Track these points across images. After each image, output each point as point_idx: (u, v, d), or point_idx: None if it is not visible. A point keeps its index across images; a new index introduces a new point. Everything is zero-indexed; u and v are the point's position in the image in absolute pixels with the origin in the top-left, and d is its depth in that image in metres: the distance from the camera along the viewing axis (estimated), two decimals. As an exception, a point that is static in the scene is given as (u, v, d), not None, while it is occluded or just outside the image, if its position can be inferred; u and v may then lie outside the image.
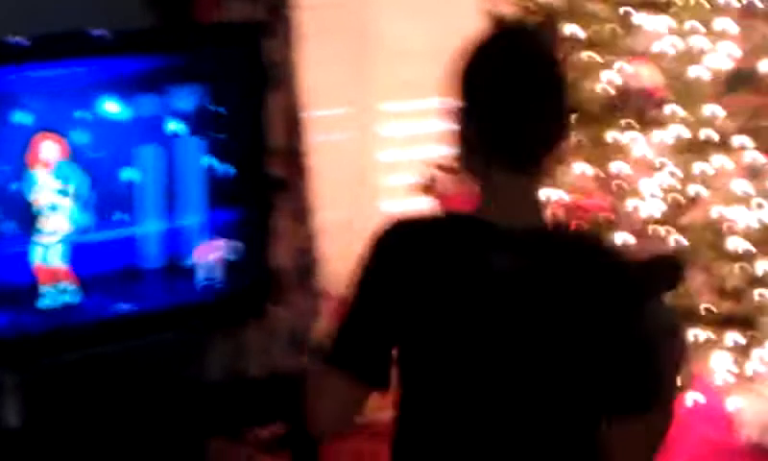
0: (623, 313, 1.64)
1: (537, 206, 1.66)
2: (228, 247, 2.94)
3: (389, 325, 1.67)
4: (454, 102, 1.65)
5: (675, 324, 1.87)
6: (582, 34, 3.22)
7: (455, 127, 1.66)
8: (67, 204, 2.81)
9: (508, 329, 1.62)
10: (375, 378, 1.67)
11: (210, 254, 2.90)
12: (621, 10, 3.20)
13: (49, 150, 2.74)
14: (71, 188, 2.82)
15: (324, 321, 3.48)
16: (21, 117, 2.62)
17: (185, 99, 2.84)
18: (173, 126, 2.81)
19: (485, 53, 1.63)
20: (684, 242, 3.19)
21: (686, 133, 3.16)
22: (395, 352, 1.68)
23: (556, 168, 1.86)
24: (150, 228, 2.82)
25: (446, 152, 2.12)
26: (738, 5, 3.17)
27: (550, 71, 1.63)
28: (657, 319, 1.71)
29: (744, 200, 3.16)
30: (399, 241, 1.67)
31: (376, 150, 3.72)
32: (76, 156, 2.78)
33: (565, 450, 1.68)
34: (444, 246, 1.65)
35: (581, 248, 1.71)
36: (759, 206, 3.16)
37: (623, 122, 3.19)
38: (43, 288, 2.75)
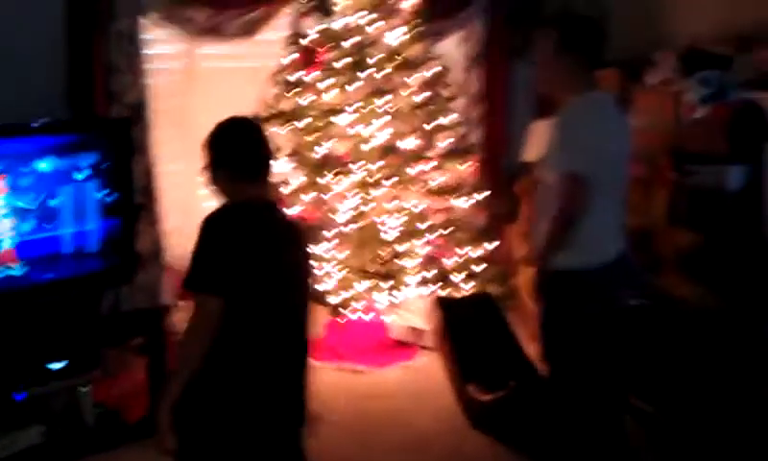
0: (307, 241, 2.35)
1: (267, 197, 2.21)
2: (112, 241, 3.43)
3: (228, 266, 2.07)
4: (211, 156, 2.19)
5: None
6: (303, 126, 4.04)
7: (211, 167, 2.20)
8: (12, 216, 3.24)
9: (282, 256, 2.16)
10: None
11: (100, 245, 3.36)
12: (325, 115, 4.04)
13: (2, 186, 3.22)
14: (15, 206, 3.25)
15: (167, 283, 4.00)
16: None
17: (86, 159, 3.41)
18: (79, 175, 3.42)
19: (228, 129, 2.22)
20: (358, 234, 3.96)
21: (360, 178, 4.01)
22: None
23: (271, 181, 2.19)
24: (66, 231, 3.42)
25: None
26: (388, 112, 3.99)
27: (263, 138, 2.24)
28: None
29: (392, 212, 4.09)
30: (226, 220, 2.13)
31: (197, 189, 3.37)
32: (19, 191, 3.18)
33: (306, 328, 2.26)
34: (246, 218, 2.12)
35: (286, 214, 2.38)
36: (403, 215, 4.06)
37: (329, 172, 4.01)
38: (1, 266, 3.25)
